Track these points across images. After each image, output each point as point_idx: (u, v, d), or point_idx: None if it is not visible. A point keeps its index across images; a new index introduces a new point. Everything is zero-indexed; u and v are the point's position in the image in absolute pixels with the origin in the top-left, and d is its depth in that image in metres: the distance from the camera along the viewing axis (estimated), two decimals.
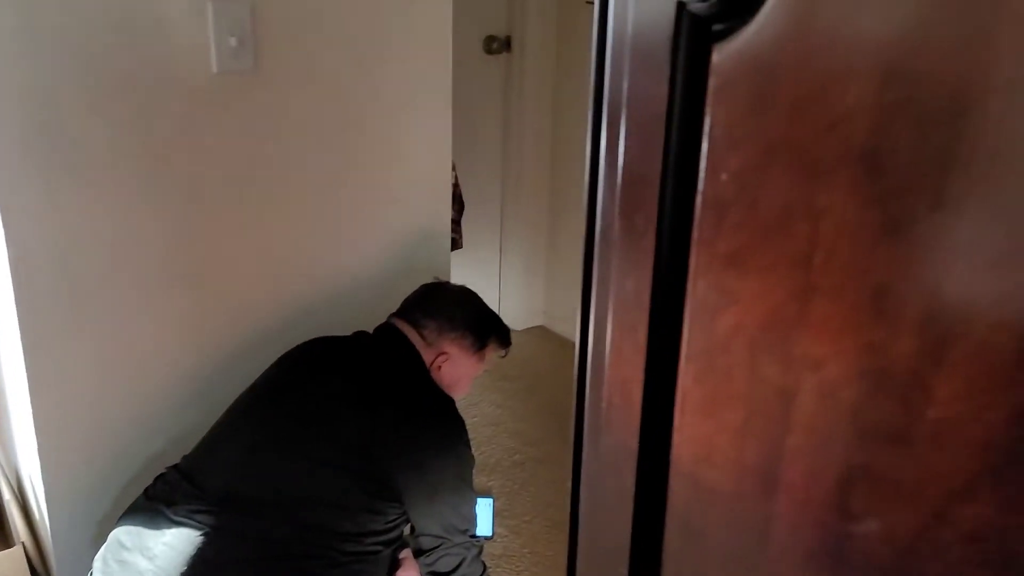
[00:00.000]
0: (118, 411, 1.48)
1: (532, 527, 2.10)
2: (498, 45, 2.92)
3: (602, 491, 0.49)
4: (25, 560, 1.55)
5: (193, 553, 1.20)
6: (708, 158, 0.39)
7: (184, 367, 1.54)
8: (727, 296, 0.39)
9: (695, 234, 0.40)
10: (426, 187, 1.81)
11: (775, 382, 0.37)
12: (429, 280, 1.64)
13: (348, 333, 1.54)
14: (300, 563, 1.23)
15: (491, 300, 3.12)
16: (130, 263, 1.42)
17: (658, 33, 0.40)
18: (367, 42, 1.62)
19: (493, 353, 1.59)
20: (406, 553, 1.46)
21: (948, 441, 0.31)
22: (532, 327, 3.26)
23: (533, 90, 2.94)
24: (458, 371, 1.52)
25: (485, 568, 1.47)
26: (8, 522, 1.72)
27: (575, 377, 0.51)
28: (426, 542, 1.39)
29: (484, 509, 2.10)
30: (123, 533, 1.27)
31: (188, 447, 1.39)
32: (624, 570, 0.48)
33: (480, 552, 1.46)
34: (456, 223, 2.31)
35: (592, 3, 0.45)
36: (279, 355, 1.49)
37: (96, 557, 1.28)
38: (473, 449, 1.50)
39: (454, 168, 2.09)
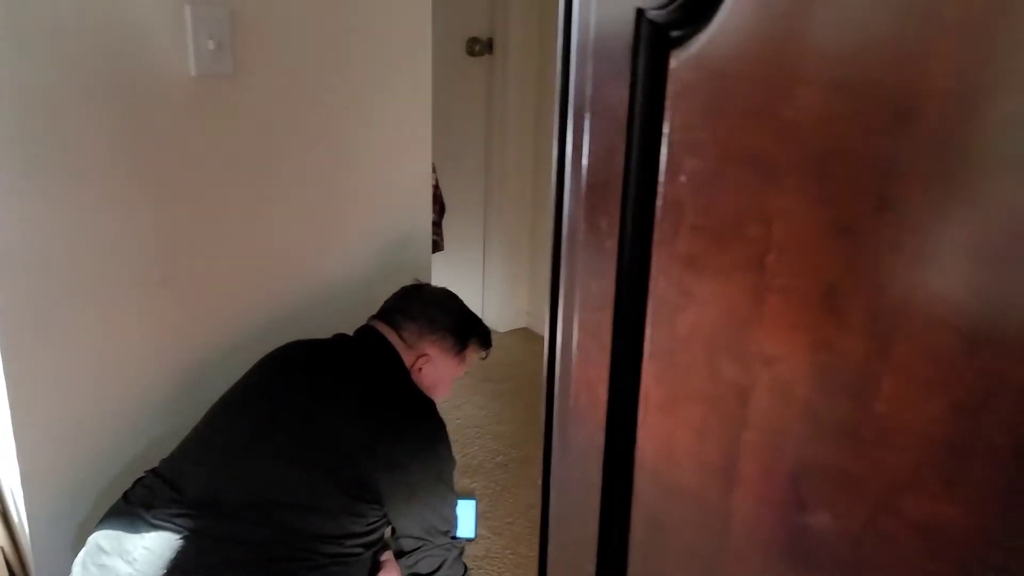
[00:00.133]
0: (97, 414, 1.48)
1: (515, 528, 2.10)
2: (480, 47, 2.93)
3: (570, 488, 0.50)
4: (4, 564, 1.54)
5: (172, 556, 1.20)
6: (667, 162, 0.40)
7: (163, 370, 1.54)
8: (686, 296, 0.39)
9: (656, 236, 0.41)
10: (406, 189, 1.81)
11: (732, 380, 0.38)
12: (409, 282, 1.64)
13: (328, 336, 1.54)
14: (280, 566, 1.23)
15: (474, 302, 3.13)
16: (109, 266, 1.42)
17: (619, 39, 0.41)
18: (346, 45, 1.62)
19: (474, 355, 1.60)
20: (388, 555, 1.46)
21: (894, 434, 0.32)
22: (516, 329, 3.27)
23: (516, 92, 2.95)
24: (439, 373, 1.52)
25: (466, 569, 1.47)
26: None
27: (544, 376, 0.52)
28: (407, 543, 1.39)
29: (467, 511, 2.10)
30: (102, 537, 1.26)
31: (167, 451, 1.39)
32: (592, 566, 0.49)
33: (461, 553, 1.46)
34: (437, 225, 2.31)
35: None
36: (259, 358, 1.49)
37: (75, 561, 1.27)
38: (456, 451, 1.50)
39: (434, 170, 2.09)
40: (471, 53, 2.93)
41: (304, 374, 1.44)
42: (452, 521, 1.44)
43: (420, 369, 1.50)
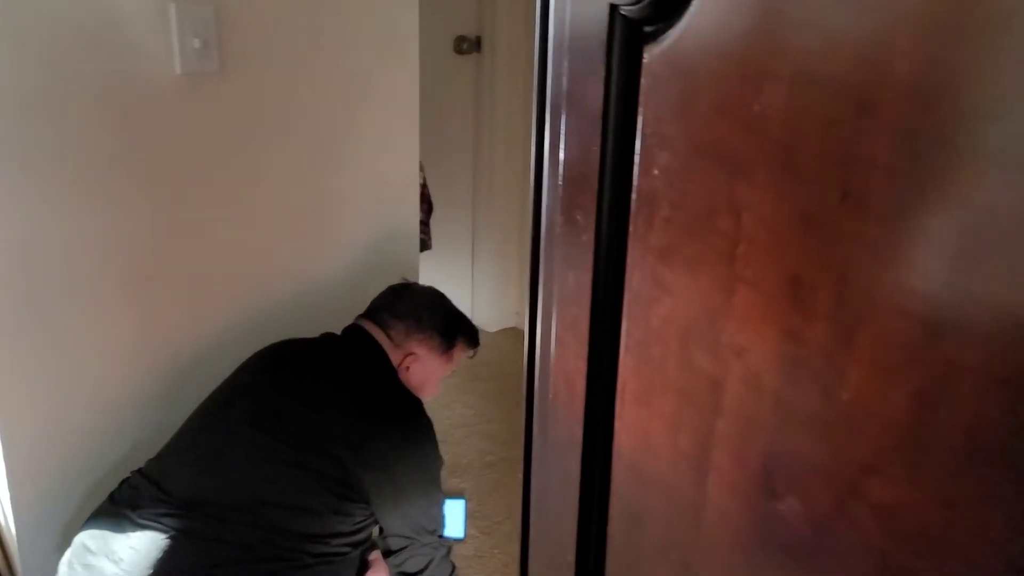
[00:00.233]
0: (83, 415, 1.48)
1: (503, 527, 2.11)
2: (468, 45, 2.94)
3: (550, 481, 0.51)
4: None
5: (159, 556, 1.20)
6: (641, 156, 0.40)
7: (150, 370, 1.54)
8: (660, 289, 0.40)
9: (631, 230, 0.42)
10: (394, 188, 1.81)
11: (704, 370, 0.39)
12: (397, 281, 1.64)
13: (315, 335, 1.54)
14: (267, 565, 1.23)
15: (464, 302, 3.13)
16: (93, 265, 1.41)
17: (593, 35, 0.41)
18: (333, 43, 1.62)
19: (461, 354, 1.60)
20: (376, 555, 1.47)
21: (858, 421, 0.33)
22: (505, 328, 3.28)
23: (504, 90, 2.95)
24: (426, 372, 1.53)
25: (454, 568, 1.48)
26: None
27: (524, 370, 0.53)
28: (394, 543, 1.40)
29: (456, 510, 2.11)
30: (88, 537, 1.26)
31: (153, 451, 1.39)
32: (571, 557, 0.49)
33: (448, 552, 1.46)
34: (425, 224, 2.32)
35: None
36: (245, 358, 1.49)
37: (61, 562, 1.27)
38: (446, 450, 1.51)
39: (422, 169, 2.10)
40: (459, 51, 2.93)
41: (291, 373, 1.44)
42: (439, 520, 1.45)
43: (408, 368, 1.50)
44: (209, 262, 1.56)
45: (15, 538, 1.46)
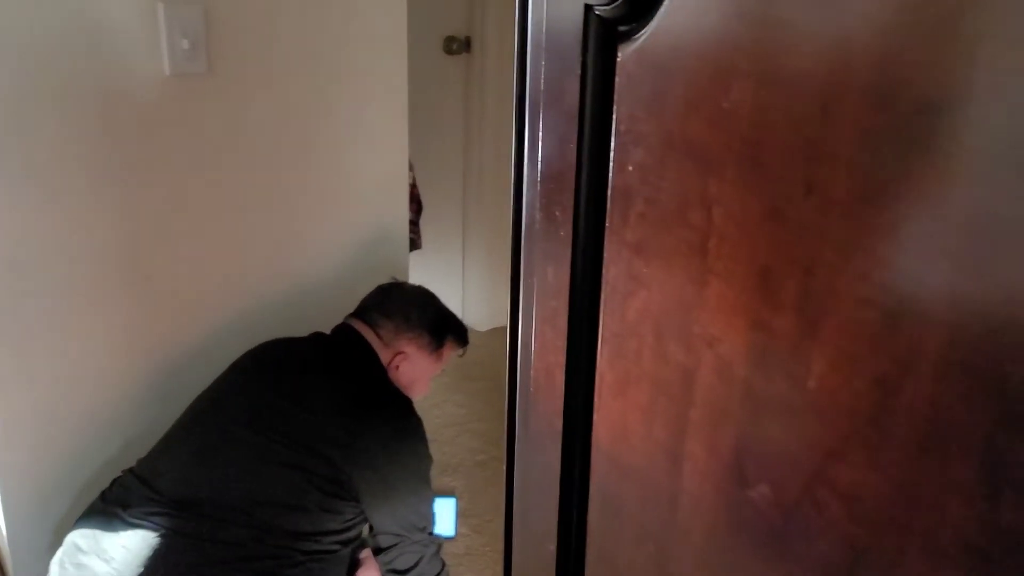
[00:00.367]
0: (74, 414, 1.48)
1: (494, 526, 2.12)
2: (458, 45, 2.94)
3: (531, 471, 0.52)
4: None
5: (150, 555, 1.20)
6: (616, 152, 0.41)
7: (139, 369, 1.54)
8: (635, 282, 0.41)
9: (607, 224, 0.43)
10: (383, 188, 1.82)
11: (678, 361, 0.40)
12: (386, 281, 1.65)
13: (305, 334, 1.54)
14: (257, 563, 1.23)
15: (454, 301, 3.14)
16: (83, 265, 1.42)
17: (569, 34, 0.42)
18: (322, 44, 1.63)
19: (451, 352, 1.61)
20: (366, 553, 1.47)
21: (824, 408, 0.34)
22: (496, 328, 3.28)
23: (493, 90, 2.96)
24: (416, 371, 1.53)
25: (444, 565, 1.49)
26: None
27: (507, 363, 0.54)
28: (384, 540, 1.40)
29: (447, 509, 2.11)
30: (79, 536, 1.26)
31: (144, 450, 1.39)
32: (552, 546, 0.50)
33: (439, 550, 1.47)
34: (414, 224, 2.32)
35: None
36: (236, 357, 1.49)
37: (53, 561, 1.27)
38: (437, 449, 1.51)
39: (412, 169, 2.10)
40: (448, 51, 2.94)
41: (281, 372, 1.45)
42: (429, 517, 1.45)
43: (397, 367, 1.51)
44: (199, 262, 1.56)
45: (6, 537, 1.46)
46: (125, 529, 1.23)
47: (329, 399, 1.40)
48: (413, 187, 2.24)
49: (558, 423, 0.48)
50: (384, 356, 1.50)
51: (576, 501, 0.49)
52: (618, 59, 0.40)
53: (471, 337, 1.68)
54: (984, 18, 0.27)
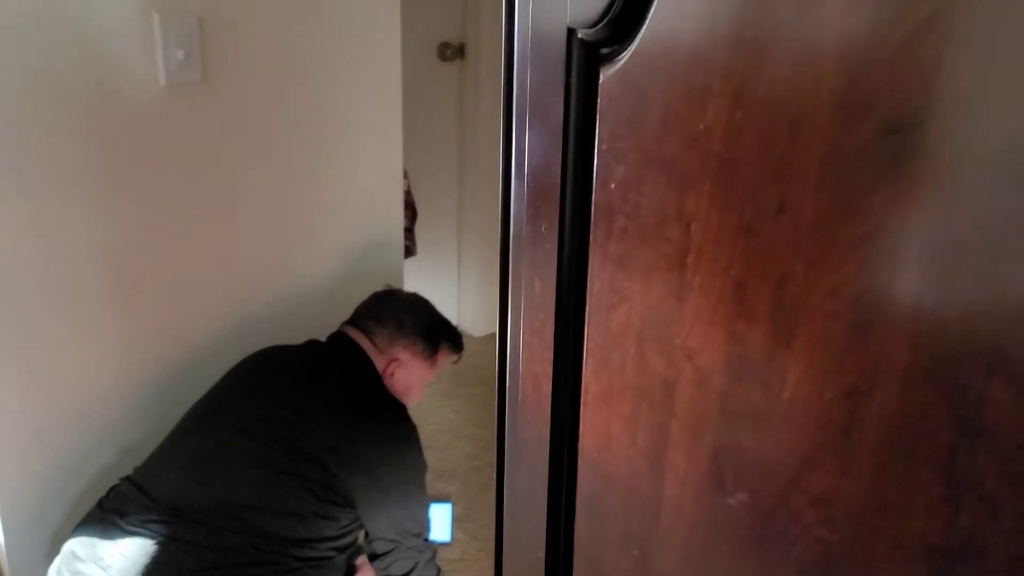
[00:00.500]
0: (70, 422, 1.48)
1: (490, 531, 2.12)
2: (452, 52, 2.96)
3: (520, 479, 0.53)
4: None
5: (147, 562, 1.21)
6: (599, 169, 0.42)
7: (136, 377, 1.55)
8: (618, 295, 0.42)
9: (591, 239, 0.44)
10: (378, 195, 1.83)
11: (659, 372, 0.41)
12: (381, 288, 1.66)
13: (301, 342, 1.55)
14: (254, 570, 1.24)
15: (450, 307, 3.15)
16: (80, 274, 1.43)
17: (553, 55, 0.43)
18: (316, 51, 1.64)
19: (445, 359, 1.62)
20: (362, 559, 1.48)
21: (798, 418, 0.35)
22: (491, 333, 3.29)
23: (488, 96, 2.97)
24: (411, 377, 1.55)
25: (439, 571, 1.50)
26: None
27: (496, 373, 0.55)
28: (380, 546, 1.41)
29: (444, 514, 2.12)
30: (77, 544, 1.27)
31: (141, 457, 1.40)
32: (542, 552, 0.52)
33: (434, 555, 1.48)
34: (409, 231, 2.33)
35: None
36: (231, 364, 1.50)
37: (50, 569, 1.28)
38: (433, 455, 1.52)
39: (406, 176, 2.12)
40: (443, 58, 2.95)
41: (277, 380, 1.46)
42: (424, 523, 1.46)
43: (392, 374, 1.52)
44: (195, 271, 1.57)
45: (3, 545, 1.47)
46: (122, 537, 1.24)
47: (324, 406, 1.41)
48: (408, 194, 2.25)
49: (545, 432, 0.49)
50: (379, 363, 1.51)
51: (563, 508, 0.50)
52: (600, 80, 0.41)
53: (467, 343, 1.70)
54: (943, 44, 0.29)
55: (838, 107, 0.32)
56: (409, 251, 2.26)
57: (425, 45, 2.89)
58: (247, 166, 1.59)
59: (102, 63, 1.37)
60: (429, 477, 1.52)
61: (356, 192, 1.78)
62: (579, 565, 0.50)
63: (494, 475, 0.56)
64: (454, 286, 3.24)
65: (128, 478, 1.36)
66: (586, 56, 0.42)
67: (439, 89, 2.98)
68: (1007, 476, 0.29)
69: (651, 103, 0.39)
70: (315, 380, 1.45)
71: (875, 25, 0.30)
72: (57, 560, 1.28)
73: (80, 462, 1.51)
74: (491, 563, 1.78)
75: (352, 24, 1.68)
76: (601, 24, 0.41)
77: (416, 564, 1.42)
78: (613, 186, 0.42)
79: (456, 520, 2.17)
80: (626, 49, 0.40)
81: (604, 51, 0.42)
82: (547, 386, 0.48)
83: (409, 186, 2.27)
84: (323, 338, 1.56)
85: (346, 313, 1.60)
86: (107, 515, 1.29)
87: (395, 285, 1.78)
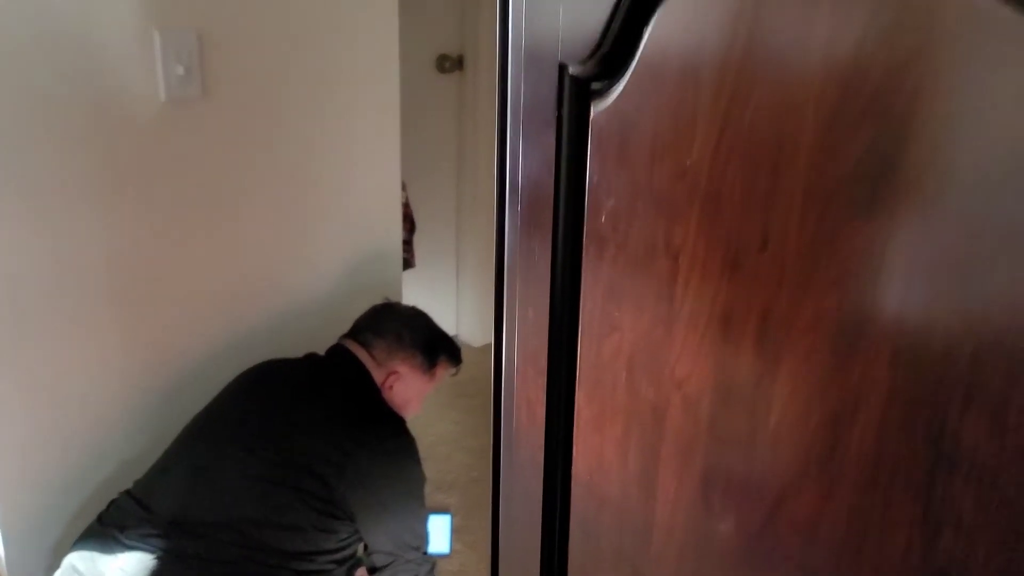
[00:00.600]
0: (70, 436, 1.49)
1: (489, 543, 2.13)
2: (451, 64, 2.97)
3: (516, 500, 0.54)
4: None
5: None
6: (590, 200, 0.44)
7: (136, 390, 1.56)
8: (609, 323, 0.43)
9: (583, 268, 0.45)
10: (376, 208, 1.85)
11: (649, 399, 0.42)
12: (379, 301, 1.67)
13: (300, 355, 1.56)
14: None
15: (449, 317, 3.16)
16: (81, 288, 1.44)
17: (546, 90, 0.45)
18: (314, 64, 1.65)
19: (444, 372, 1.63)
20: (361, 572, 1.49)
21: (782, 444, 0.36)
22: (490, 344, 3.30)
23: (486, 107, 2.99)
24: (409, 390, 1.55)
25: None
26: None
27: (492, 397, 0.56)
28: (379, 559, 1.42)
29: (442, 526, 2.12)
30: (77, 558, 1.28)
31: (141, 470, 1.41)
32: (536, 572, 0.53)
33: (433, 568, 1.49)
34: (407, 243, 2.35)
35: None
36: (231, 378, 1.51)
37: None
38: (432, 466, 1.53)
39: (404, 188, 2.13)
40: (441, 70, 2.97)
41: (275, 393, 1.47)
42: (423, 536, 1.47)
43: (391, 387, 1.53)
44: (194, 284, 1.58)
45: (4, 559, 1.47)
46: (122, 551, 1.24)
47: (323, 419, 1.42)
48: (406, 206, 2.27)
49: (540, 456, 0.50)
50: (378, 376, 1.52)
51: (558, 528, 0.51)
52: (591, 115, 0.43)
53: (466, 353, 1.70)
54: (920, 81, 0.30)
55: (818, 146, 0.33)
56: (407, 263, 2.27)
57: (423, 57, 2.90)
58: (246, 179, 1.61)
59: (104, 79, 1.39)
60: (428, 488, 1.52)
61: (355, 205, 1.79)
62: None
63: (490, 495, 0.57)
64: (452, 297, 3.25)
65: (128, 492, 1.37)
66: (577, 91, 0.44)
67: (437, 101, 3.00)
68: (983, 504, 0.30)
69: (640, 137, 0.40)
70: (314, 393, 1.46)
71: (855, 63, 0.32)
72: (57, 574, 1.29)
73: (80, 476, 1.52)
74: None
75: (351, 37, 1.70)
76: (591, 59, 0.42)
77: None
78: (604, 218, 0.43)
79: (455, 531, 2.17)
80: (616, 84, 0.41)
81: (595, 87, 0.43)
82: (541, 412, 0.49)
83: (407, 199, 2.28)
84: (322, 351, 1.57)
85: (345, 326, 1.61)
86: (107, 529, 1.29)
87: (394, 297, 1.79)
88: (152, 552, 1.23)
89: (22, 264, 1.37)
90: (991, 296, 0.29)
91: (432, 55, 2.94)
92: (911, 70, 0.30)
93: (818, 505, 0.35)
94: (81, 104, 1.37)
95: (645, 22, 0.39)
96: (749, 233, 0.36)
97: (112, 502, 1.36)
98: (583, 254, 0.45)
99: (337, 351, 1.54)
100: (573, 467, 0.48)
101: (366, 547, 1.44)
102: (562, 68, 0.43)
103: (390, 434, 1.46)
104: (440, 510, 2.21)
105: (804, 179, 0.34)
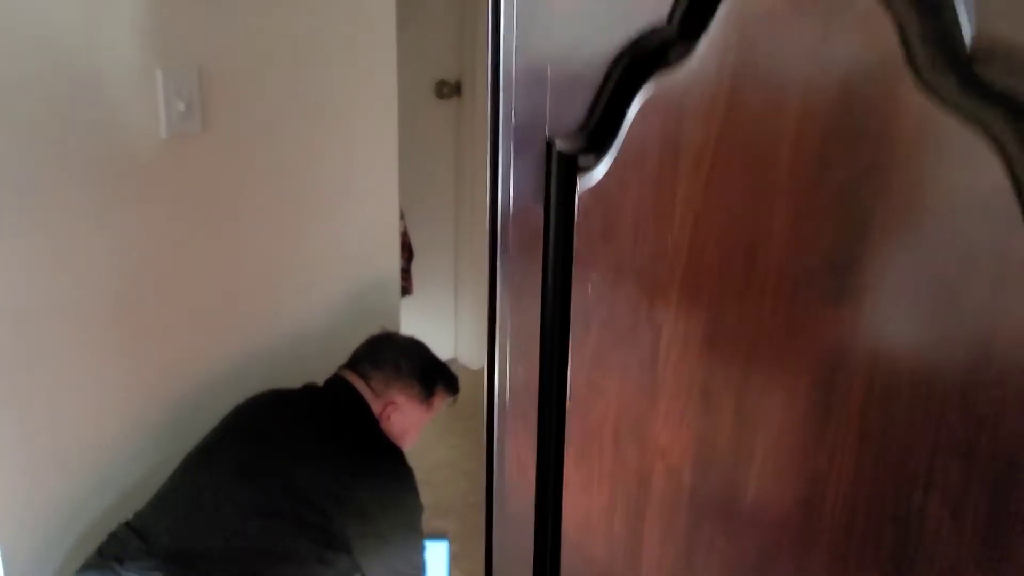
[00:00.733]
0: (70, 468, 1.50)
1: None
2: (449, 89, 3.00)
3: (507, 555, 0.55)
4: None
5: None
6: (576, 272, 0.45)
7: (136, 421, 1.57)
8: (595, 392, 0.45)
9: (571, 336, 0.47)
10: (374, 237, 1.87)
11: (634, 466, 0.43)
12: (377, 331, 1.69)
13: (298, 385, 1.58)
14: None
15: (447, 340, 3.17)
16: (80, 321, 1.45)
17: (533, 165, 0.47)
18: (313, 95, 1.68)
19: (441, 401, 1.64)
20: None
21: (762, 513, 0.37)
22: None
23: (484, 134, 3.01)
24: (407, 421, 1.57)
25: None
26: None
27: (484, 453, 0.57)
28: None
29: (439, 553, 2.12)
30: None
31: (141, 501, 1.41)
32: None
33: None
34: (405, 271, 2.36)
35: None
36: (230, 408, 1.52)
37: None
38: (429, 491, 1.54)
39: (402, 217, 2.15)
40: (439, 95, 3.00)
41: (273, 424, 1.48)
42: (421, 567, 1.48)
43: (389, 417, 1.54)
44: (193, 315, 1.60)
45: None
46: None
47: (321, 450, 1.43)
48: (404, 235, 2.28)
49: (530, 514, 0.51)
50: (375, 407, 1.54)
51: None
52: (577, 190, 0.44)
53: (464, 376, 1.72)
54: (876, 193, 0.32)
55: (788, 239, 0.35)
56: (405, 291, 2.29)
57: (421, 83, 2.93)
58: (246, 211, 1.63)
59: (106, 117, 1.41)
60: (426, 514, 1.53)
61: (353, 235, 1.81)
62: None
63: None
64: (451, 319, 3.26)
65: (127, 523, 1.37)
66: (564, 167, 0.45)
67: (436, 126, 3.02)
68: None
69: (621, 215, 0.42)
70: (313, 425, 1.47)
71: (822, 160, 0.33)
72: None
73: (80, 507, 1.53)
74: None
75: (350, 68, 1.72)
76: (580, 136, 0.44)
77: None
78: (590, 289, 0.45)
79: (453, 558, 2.17)
80: (601, 162, 0.43)
81: (581, 163, 0.45)
82: (531, 472, 0.50)
83: (406, 227, 2.30)
84: (321, 380, 1.58)
85: (343, 354, 1.63)
86: (106, 561, 1.30)
87: (391, 325, 1.81)
88: None
89: (26, 296, 1.38)
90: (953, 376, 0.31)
91: (431, 81, 2.97)
92: (875, 171, 0.32)
93: (794, 570, 0.36)
94: (85, 141, 1.39)
95: (628, 102, 0.41)
96: (725, 314, 0.37)
97: (111, 534, 1.37)
98: (570, 322, 0.46)
99: (335, 382, 1.56)
100: (563, 526, 0.50)
101: None
102: (550, 144, 0.45)
103: (388, 465, 1.47)
104: (437, 535, 2.21)
105: (777, 264, 0.35)
